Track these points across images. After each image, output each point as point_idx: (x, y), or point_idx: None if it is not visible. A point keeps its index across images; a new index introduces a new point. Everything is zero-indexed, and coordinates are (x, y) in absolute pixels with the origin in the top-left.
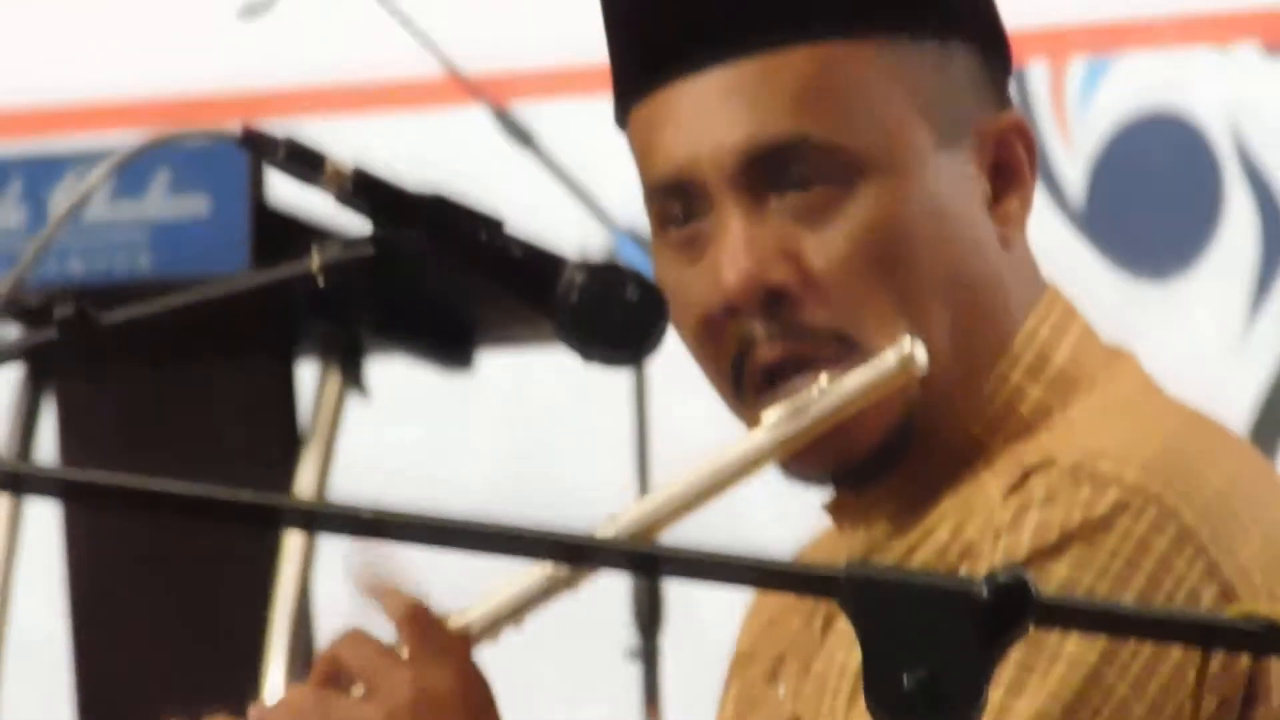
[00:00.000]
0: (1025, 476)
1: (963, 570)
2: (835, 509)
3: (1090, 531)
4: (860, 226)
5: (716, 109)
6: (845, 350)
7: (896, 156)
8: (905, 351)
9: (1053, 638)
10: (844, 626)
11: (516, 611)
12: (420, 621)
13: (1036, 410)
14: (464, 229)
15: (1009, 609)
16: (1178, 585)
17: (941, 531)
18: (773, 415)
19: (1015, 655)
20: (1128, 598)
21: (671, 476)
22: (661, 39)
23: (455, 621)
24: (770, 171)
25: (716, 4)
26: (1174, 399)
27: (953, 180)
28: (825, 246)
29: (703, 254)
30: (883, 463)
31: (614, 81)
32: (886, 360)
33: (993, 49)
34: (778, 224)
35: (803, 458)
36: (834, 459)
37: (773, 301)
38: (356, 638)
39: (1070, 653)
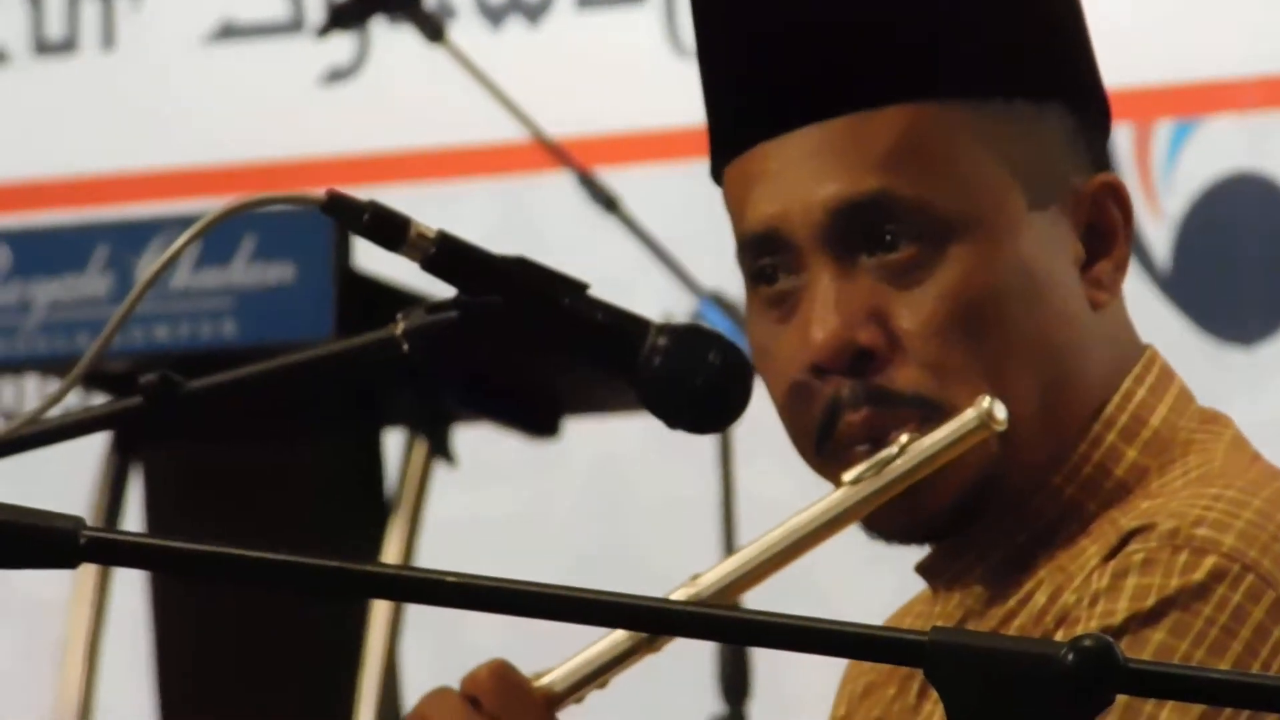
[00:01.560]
0: (1123, 541)
1: (1059, 636)
2: (928, 571)
3: (1188, 598)
4: (949, 288)
5: (807, 165)
6: (931, 414)
7: (987, 218)
8: (984, 408)
9: (1148, 705)
10: None
11: (600, 673)
12: (504, 681)
13: (1132, 472)
14: (547, 293)
15: (1095, 675)
16: (1274, 653)
17: (1039, 596)
18: (852, 473)
19: None
20: (1224, 665)
21: (752, 538)
22: (758, 99)
23: (539, 682)
24: (860, 230)
25: (811, 66)
26: (1270, 463)
27: (1044, 243)
28: (914, 308)
29: (793, 312)
30: (963, 521)
31: (710, 138)
32: (965, 418)
33: (1090, 108)
34: (867, 284)
35: (883, 516)
36: (914, 516)
37: (860, 362)
38: (443, 697)
39: None
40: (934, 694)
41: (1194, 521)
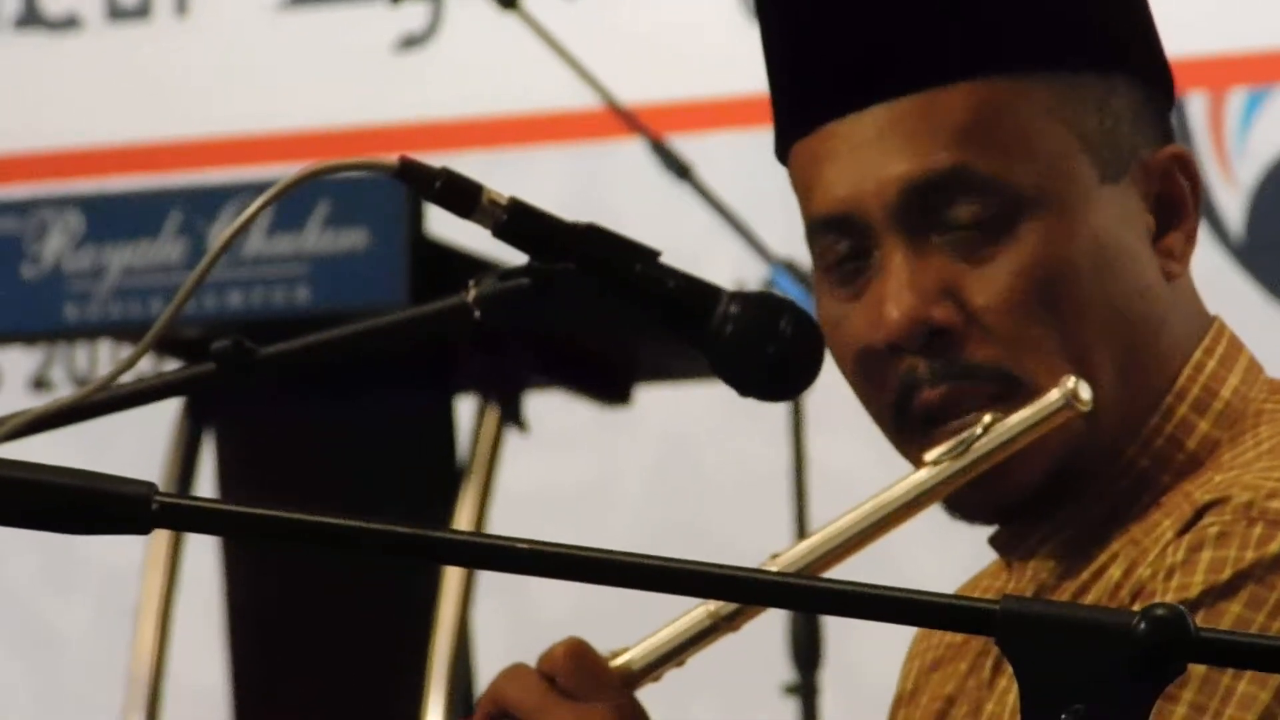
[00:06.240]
0: (1197, 515)
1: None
2: (1001, 544)
3: (1263, 571)
4: (1023, 263)
5: (879, 145)
6: (1009, 388)
7: (1059, 192)
8: (1069, 388)
9: (1225, 677)
10: None
11: (677, 652)
12: (580, 659)
13: (1203, 444)
14: (619, 260)
15: (1167, 644)
16: None
17: (1113, 570)
18: (935, 453)
19: (1187, 695)
20: None
21: (832, 516)
22: (825, 79)
23: (615, 660)
24: (932, 208)
25: (878, 44)
26: None
27: (1116, 215)
28: (988, 284)
29: (865, 290)
30: (1045, 500)
31: (775, 118)
32: (1050, 398)
33: (1155, 81)
34: (940, 261)
35: (965, 496)
36: (997, 497)
37: (935, 339)
38: (519, 674)
39: (1243, 692)
40: (1008, 669)
41: (1268, 494)
